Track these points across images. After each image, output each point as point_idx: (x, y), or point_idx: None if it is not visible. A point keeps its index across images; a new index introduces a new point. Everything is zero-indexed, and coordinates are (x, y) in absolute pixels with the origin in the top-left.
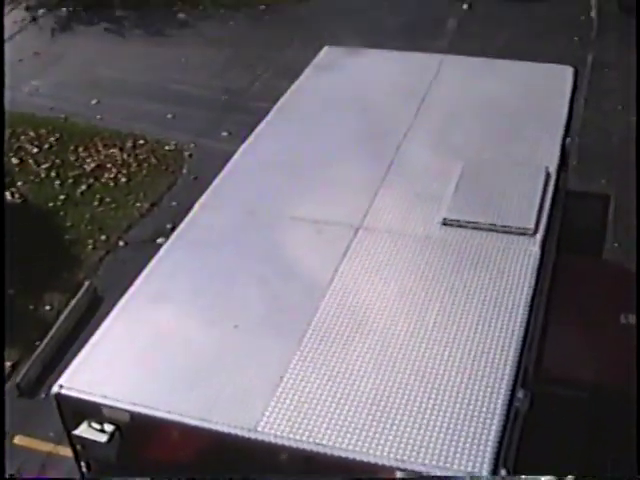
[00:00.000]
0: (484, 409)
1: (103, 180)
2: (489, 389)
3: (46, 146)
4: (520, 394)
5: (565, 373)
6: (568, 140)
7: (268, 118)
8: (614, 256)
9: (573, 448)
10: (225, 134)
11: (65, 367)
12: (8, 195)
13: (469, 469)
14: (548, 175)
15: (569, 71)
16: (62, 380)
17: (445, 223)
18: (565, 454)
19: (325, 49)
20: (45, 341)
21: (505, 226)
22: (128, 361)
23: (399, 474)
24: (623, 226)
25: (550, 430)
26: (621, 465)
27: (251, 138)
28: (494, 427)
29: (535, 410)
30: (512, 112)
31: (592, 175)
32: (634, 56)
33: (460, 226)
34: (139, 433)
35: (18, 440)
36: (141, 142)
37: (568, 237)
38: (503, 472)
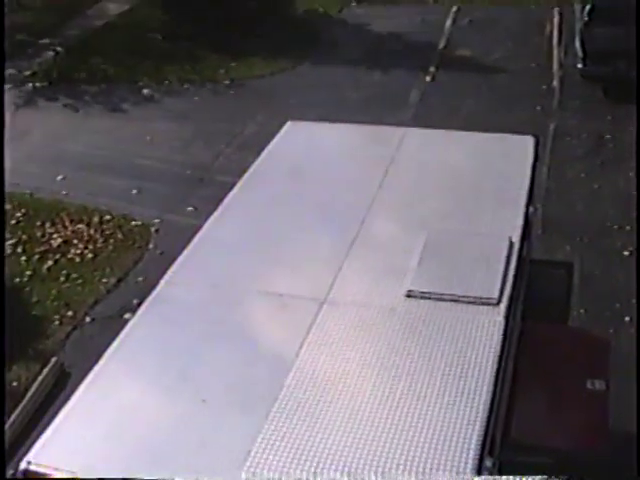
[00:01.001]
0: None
1: (69, 256)
2: (457, 459)
3: (12, 222)
4: (488, 463)
5: (531, 440)
6: (531, 209)
7: (233, 192)
8: (581, 322)
9: None
10: (190, 209)
11: (33, 443)
12: None
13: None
14: (511, 245)
15: (530, 141)
16: (30, 456)
17: (409, 295)
18: None
19: (288, 123)
20: (12, 417)
21: (469, 296)
22: (96, 437)
23: None
24: (588, 293)
25: None
26: None
27: (216, 213)
28: None
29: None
30: (474, 183)
31: (557, 243)
32: (595, 123)
33: (424, 298)
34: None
35: None
36: (107, 217)
37: (533, 305)
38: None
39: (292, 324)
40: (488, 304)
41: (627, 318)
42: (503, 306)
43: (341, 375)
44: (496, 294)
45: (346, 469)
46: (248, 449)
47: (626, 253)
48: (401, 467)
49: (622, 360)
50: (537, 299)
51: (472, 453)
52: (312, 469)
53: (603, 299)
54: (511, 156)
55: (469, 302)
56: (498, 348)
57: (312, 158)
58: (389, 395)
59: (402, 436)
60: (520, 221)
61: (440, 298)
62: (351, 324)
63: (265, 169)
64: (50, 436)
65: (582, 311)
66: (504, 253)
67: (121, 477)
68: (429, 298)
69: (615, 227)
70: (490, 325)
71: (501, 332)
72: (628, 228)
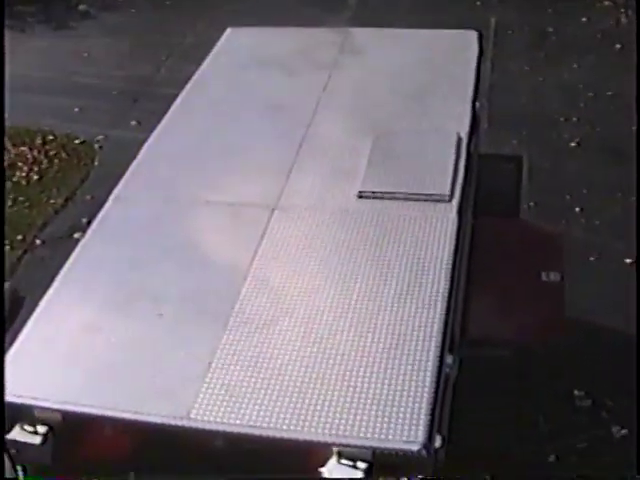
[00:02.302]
0: (414, 378)
1: (15, 179)
2: (418, 358)
3: None
4: (449, 360)
5: (489, 335)
6: (477, 104)
7: (175, 105)
8: (532, 215)
9: (505, 407)
10: (134, 123)
11: None
12: None
13: (404, 438)
14: (460, 140)
15: (474, 35)
16: None
17: (361, 196)
18: (497, 414)
19: (228, 31)
20: None
21: (421, 194)
22: (56, 360)
23: (335, 449)
24: (537, 185)
25: (480, 392)
26: (552, 418)
27: (160, 126)
28: (426, 394)
29: (464, 374)
30: (419, 80)
31: (503, 137)
32: (536, 17)
33: (376, 197)
34: (72, 432)
35: None
36: (50, 138)
37: (484, 200)
38: (438, 439)
39: (244, 232)
40: (440, 201)
41: (577, 209)
42: (455, 202)
43: (296, 280)
44: (448, 190)
45: (307, 374)
46: (209, 361)
47: (573, 144)
48: (362, 367)
49: (575, 250)
50: (488, 194)
51: (432, 351)
52: (272, 378)
53: (553, 191)
54: (455, 52)
55: (421, 200)
56: (453, 244)
57: (254, 64)
58: (346, 297)
59: (361, 340)
60: (467, 117)
61: (392, 197)
62: (303, 228)
63: (207, 78)
64: (9, 364)
65: (532, 204)
66: (453, 149)
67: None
68: (381, 198)
69: (562, 119)
70: (444, 221)
71: (455, 228)
72: (574, 119)
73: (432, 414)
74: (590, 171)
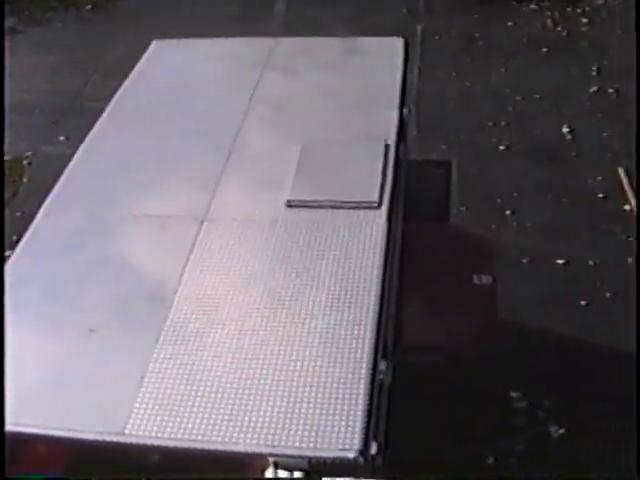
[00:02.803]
0: (349, 385)
1: None
2: (351, 365)
3: None
4: (382, 366)
5: (422, 341)
6: (405, 111)
7: (102, 119)
8: (462, 220)
9: (440, 412)
10: (62, 138)
11: None
12: None
13: (340, 446)
14: (388, 147)
15: (399, 42)
16: None
17: (290, 205)
18: (433, 418)
19: (154, 43)
20: None
21: (349, 202)
22: None
23: (271, 460)
24: (468, 190)
25: (415, 397)
26: (489, 421)
27: (87, 141)
28: (360, 401)
29: (398, 380)
30: (347, 88)
31: (432, 143)
32: (462, 23)
33: (305, 206)
34: (7, 451)
35: None
36: None
37: (414, 206)
38: (374, 446)
39: (173, 245)
40: (369, 207)
41: (508, 212)
42: (384, 208)
43: (227, 292)
44: (376, 197)
45: (240, 386)
46: (141, 375)
47: (502, 148)
48: (296, 376)
49: (507, 253)
50: (417, 200)
51: (366, 358)
52: (206, 390)
53: (483, 195)
54: (381, 59)
55: (350, 207)
56: (383, 250)
57: (180, 76)
58: (276, 307)
59: (293, 350)
60: (395, 123)
61: (321, 206)
62: (233, 240)
63: (134, 91)
64: None
65: (463, 209)
66: (381, 156)
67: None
68: (310, 207)
69: (490, 124)
70: (373, 228)
71: (384, 234)
72: (503, 123)
73: (367, 421)
74: (520, 174)
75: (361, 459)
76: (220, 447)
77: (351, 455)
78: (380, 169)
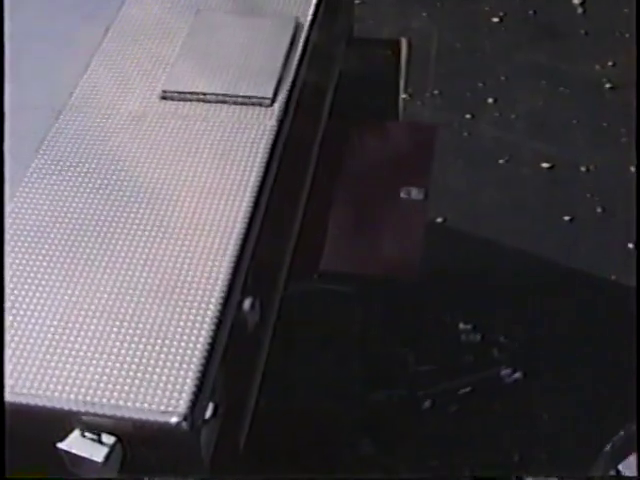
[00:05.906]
0: (187, 332)
1: None
2: (197, 304)
3: None
4: (246, 304)
5: (338, 268)
6: None
7: None
8: (430, 107)
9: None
10: None
11: None
12: None
13: (162, 409)
14: (298, 27)
15: None
16: None
17: (165, 97)
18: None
19: None
20: None
21: (237, 96)
22: None
23: (84, 418)
24: (445, 70)
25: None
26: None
27: None
28: (197, 353)
29: (307, 309)
30: None
31: (412, 9)
32: None
33: (183, 99)
34: None
35: None
36: None
37: (344, 100)
38: (210, 408)
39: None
40: (259, 104)
41: (490, 99)
42: (278, 106)
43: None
44: (270, 93)
45: (58, 330)
46: None
47: (495, 20)
48: (126, 323)
49: (482, 150)
50: (349, 92)
51: (216, 295)
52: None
53: (463, 77)
54: None
55: (237, 103)
56: (264, 160)
57: None
58: (136, 219)
59: (134, 275)
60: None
61: (201, 99)
62: (93, 134)
63: None
64: None
65: (436, 92)
66: (287, 40)
67: None
68: (189, 99)
69: None
70: (259, 131)
71: (271, 139)
72: None
73: (201, 377)
74: (512, 53)
75: (185, 425)
76: (32, 401)
77: (173, 420)
78: (282, 56)
